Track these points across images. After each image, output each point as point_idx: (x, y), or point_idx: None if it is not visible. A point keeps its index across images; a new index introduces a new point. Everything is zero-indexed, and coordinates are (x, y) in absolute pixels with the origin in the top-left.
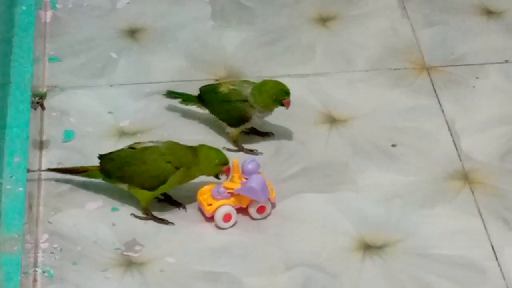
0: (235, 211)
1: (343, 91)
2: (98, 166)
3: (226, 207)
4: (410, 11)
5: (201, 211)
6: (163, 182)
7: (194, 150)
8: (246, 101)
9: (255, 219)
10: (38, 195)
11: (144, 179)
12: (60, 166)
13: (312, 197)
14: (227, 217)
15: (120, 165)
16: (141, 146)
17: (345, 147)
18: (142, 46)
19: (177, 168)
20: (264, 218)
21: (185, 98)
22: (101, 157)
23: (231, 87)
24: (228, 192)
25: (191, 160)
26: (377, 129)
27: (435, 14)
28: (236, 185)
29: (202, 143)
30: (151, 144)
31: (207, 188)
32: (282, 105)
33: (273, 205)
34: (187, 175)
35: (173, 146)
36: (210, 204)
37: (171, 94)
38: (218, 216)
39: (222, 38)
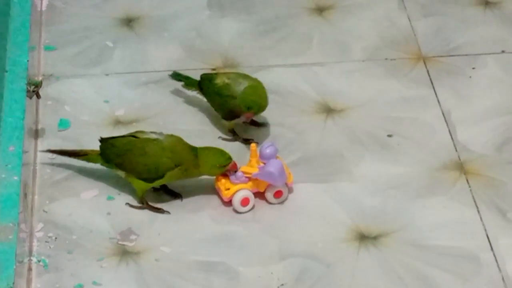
0: (252, 196)
1: (340, 81)
2: (98, 151)
3: (244, 191)
4: (407, 1)
5: (218, 195)
6: (161, 177)
7: (195, 152)
8: (236, 98)
9: (272, 204)
10: (33, 184)
11: (142, 170)
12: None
13: (308, 187)
14: (245, 202)
15: (120, 152)
16: (144, 136)
17: (341, 137)
18: (138, 35)
19: (176, 165)
20: (281, 203)
21: (188, 82)
22: (102, 140)
23: (226, 80)
24: (246, 177)
25: (191, 161)
26: (373, 119)
27: (431, 4)
28: (254, 170)
29: (204, 146)
30: (154, 136)
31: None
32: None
33: (290, 190)
34: (186, 174)
35: (176, 143)
36: (228, 189)
37: (176, 76)
38: (236, 201)
39: (219, 27)
